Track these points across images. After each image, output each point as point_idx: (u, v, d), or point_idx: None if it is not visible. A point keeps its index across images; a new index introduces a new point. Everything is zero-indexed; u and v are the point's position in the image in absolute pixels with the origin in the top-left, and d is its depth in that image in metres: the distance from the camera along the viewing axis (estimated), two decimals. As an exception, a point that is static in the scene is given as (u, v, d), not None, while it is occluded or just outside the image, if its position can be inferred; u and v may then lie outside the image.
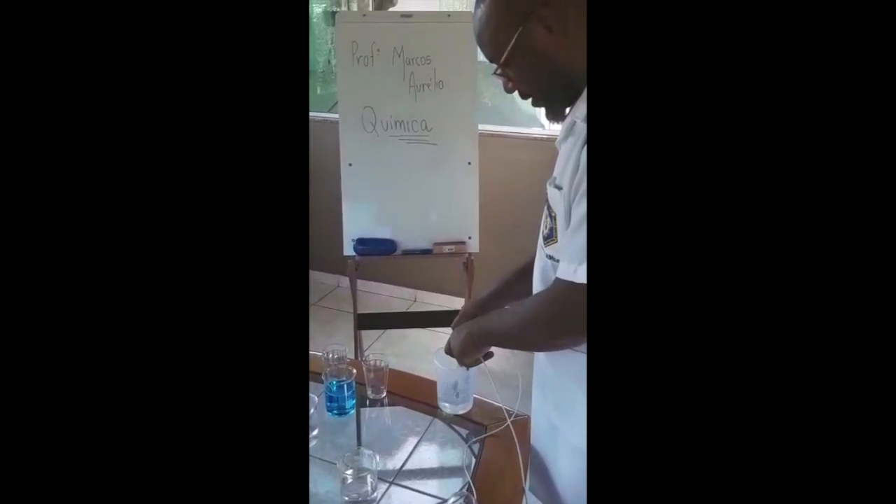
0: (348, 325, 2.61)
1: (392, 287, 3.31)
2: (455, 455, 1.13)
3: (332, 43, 3.34)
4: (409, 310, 3.22)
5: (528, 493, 1.04)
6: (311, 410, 1.11)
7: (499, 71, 0.87)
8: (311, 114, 3.31)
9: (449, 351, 1.07)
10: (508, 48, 0.83)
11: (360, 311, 2.45)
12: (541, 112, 0.95)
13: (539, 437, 1.07)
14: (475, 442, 1.13)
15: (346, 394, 1.18)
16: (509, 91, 0.90)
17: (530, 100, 0.91)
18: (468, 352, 1.03)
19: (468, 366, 1.07)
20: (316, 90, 3.53)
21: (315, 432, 1.12)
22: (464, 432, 1.17)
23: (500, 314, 1.02)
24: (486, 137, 2.42)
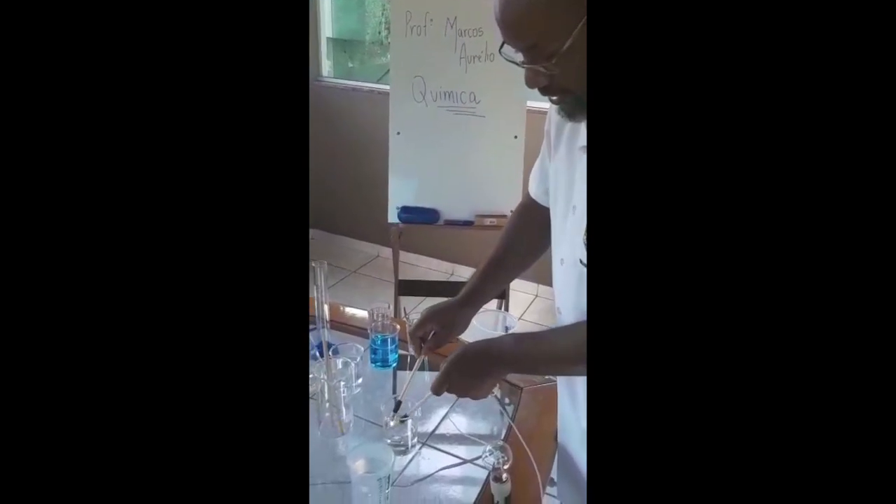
0: (387, 293, 2.67)
1: (431, 259, 3.36)
2: (489, 419, 1.17)
3: (383, 13, 3.37)
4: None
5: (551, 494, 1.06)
6: (357, 360, 1.17)
7: (529, 62, 0.72)
8: (359, 83, 3.36)
9: (443, 386, 0.89)
10: (573, 36, 0.68)
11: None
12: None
13: (570, 443, 1.05)
14: (509, 396, 1.17)
15: (388, 347, 1.24)
16: (533, 86, 0.75)
17: (551, 98, 0.78)
18: (488, 382, 0.90)
19: (480, 398, 0.91)
20: (364, 60, 3.57)
21: (360, 381, 1.18)
22: (499, 392, 1.21)
23: (541, 337, 0.91)
24: (532, 113, 2.42)
